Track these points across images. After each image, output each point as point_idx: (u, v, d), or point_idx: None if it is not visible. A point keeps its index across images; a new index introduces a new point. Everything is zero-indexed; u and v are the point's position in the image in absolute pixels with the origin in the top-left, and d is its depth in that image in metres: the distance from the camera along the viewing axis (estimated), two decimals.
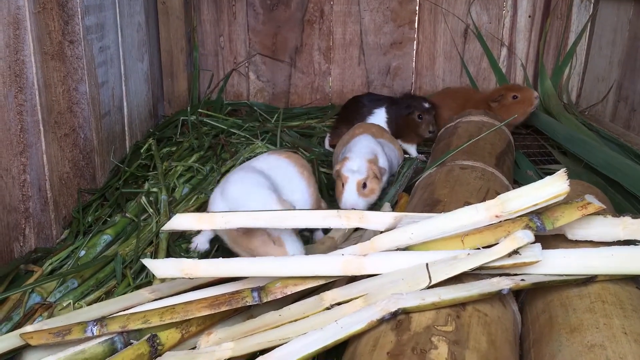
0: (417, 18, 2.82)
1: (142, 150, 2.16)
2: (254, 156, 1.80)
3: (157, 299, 1.23)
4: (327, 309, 1.05)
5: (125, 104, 2.15)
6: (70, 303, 1.32)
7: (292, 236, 1.25)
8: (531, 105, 2.32)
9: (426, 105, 2.24)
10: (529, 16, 2.84)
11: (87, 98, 1.78)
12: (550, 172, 1.50)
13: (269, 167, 1.51)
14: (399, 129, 2.24)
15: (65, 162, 1.67)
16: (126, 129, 2.17)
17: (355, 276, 1.09)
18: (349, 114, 2.36)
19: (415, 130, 2.22)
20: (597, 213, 1.06)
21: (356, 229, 1.55)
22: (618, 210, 1.55)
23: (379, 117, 2.30)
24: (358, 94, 2.52)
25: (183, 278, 1.13)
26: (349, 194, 1.68)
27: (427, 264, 1.02)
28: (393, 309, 0.96)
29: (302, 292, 1.10)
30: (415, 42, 2.85)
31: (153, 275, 1.11)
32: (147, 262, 1.12)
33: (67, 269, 1.46)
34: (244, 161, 2.00)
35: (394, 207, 1.77)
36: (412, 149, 2.29)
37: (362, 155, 1.73)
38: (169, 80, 2.70)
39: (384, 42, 2.84)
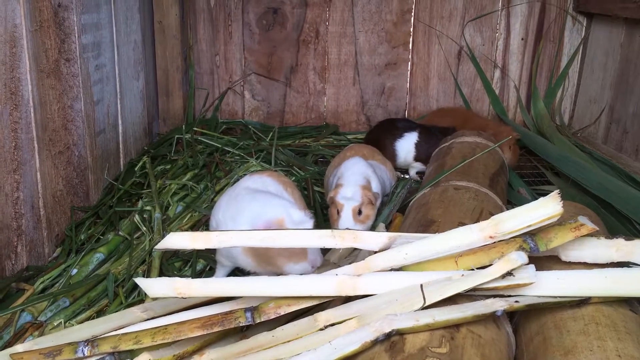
0: (411, 39, 2.85)
1: (136, 168, 2.16)
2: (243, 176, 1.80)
3: (150, 318, 1.22)
4: (321, 329, 1.04)
5: (120, 121, 2.16)
6: (61, 322, 1.31)
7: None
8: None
9: (451, 129, 2.26)
10: (522, 39, 2.87)
11: (82, 116, 1.78)
12: (544, 193, 1.51)
13: (262, 185, 1.52)
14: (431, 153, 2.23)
15: (58, 180, 1.67)
16: (121, 146, 2.17)
17: (350, 296, 1.08)
18: (380, 134, 2.39)
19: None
20: (590, 234, 1.06)
21: (353, 250, 1.55)
22: (611, 232, 1.56)
23: (410, 139, 2.31)
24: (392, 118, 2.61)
25: (176, 298, 1.12)
26: (345, 221, 1.68)
27: (421, 285, 1.02)
28: (387, 330, 0.95)
29: (295, 312, 1.10)
30: (409, 63, 2.88)
31: (145, 294, 1.10)
32: (140, 281, 1.11)
33: (58, 288, 1.44)
34: (237, 180, 2.00)
35: (388, 227, 1.77)
36: (416, 170, 2.31)
37: (356, 182, 1.73)
38: (164, 99, 2.71)
39: (378, 63, 2.86)
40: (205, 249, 1.17)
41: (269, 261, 1.31)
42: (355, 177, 1.76)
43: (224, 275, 1.49)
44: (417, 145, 2.29)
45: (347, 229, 1.42)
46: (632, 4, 2.30)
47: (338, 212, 1.69)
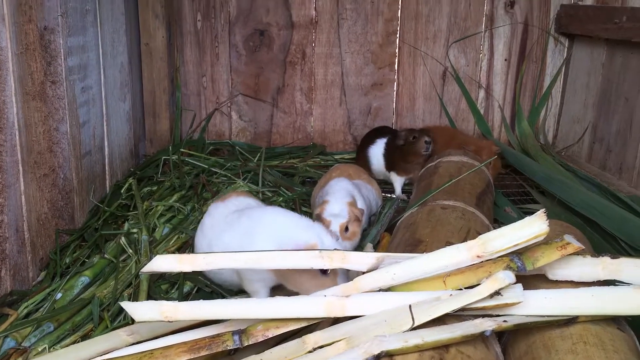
0: (397, 60, 2.88)
1: (122, 190, 2.14)
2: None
3: (136, 342, 1.20)
4: (310, 352, 1.04)
5: (106, 143, 2.15)
6: (45, 347, 1.29)
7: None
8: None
9: (414, 129, 2.30)
10: (505, 60, 2.92)
11: (67, 138, 1.77)
12: (530, 212, 1.51)
13: (245, 206, 1.53)
14: (400, 159, 2.25)
15: (43, 203, 1.65)
16: (107, 168, 2.16)
17: (338, 318, 1.08)
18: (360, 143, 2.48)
19: (415, 150, 2.22)
20: (576, 253, 1.07)
21: None
22: (597, 250, 1.57)
23: (379, 147, 2.36)
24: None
25: (163, 321, 1.11)
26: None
27: (410, 306, 1.02)
28: (376, 352, 0.95)
29: (284, 334, 1.09)
30: (395, 83, 2.91)
31: (131, 318, 1.09)
32: (126, 304, 1.10)
33: (42, 313, 1.42)
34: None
35: (376, 247, 1.77)
36: (398, 184, 2.31)
37: (341, 198, 1.73)
38: (151, 120, 2.70)
39: (364, 83, 2.89)
40: (193, 271, 1.16)
41: (295, 285, 1.28)
42: (340, 194, 1.76)
43: (265, 296, 1.39)
44: (385, 153, 2.32)
45: (335, 249, 1.42)
46: (613, 25, 2.35)
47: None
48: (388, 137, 2.38)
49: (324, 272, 1.24)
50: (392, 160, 2.31)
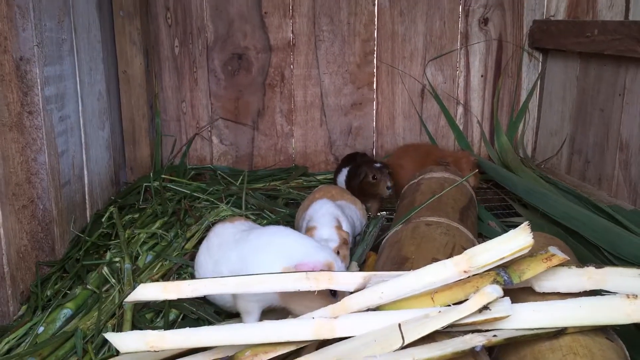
0: (375, 80, 2.90)
1: (103, 219, 2.11)
2: (217, 221, 1.79)
3: None
4: None
5: (85, 172, 2.12)
6: None
7: None
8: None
9: (377, 165, 2.24)
10: (482, 76, 2.96)
11: (46, 168, 1.75)
12: (513, 225, 1.52)
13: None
14: (359, 192, 2.23)
15: (23, 235, 1.62)
16: (87, 197, 2.14)
17: (328, 339, 1.06)
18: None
19: (374, 191, 2.21)
20: (562, 264, 1.07)
21: None
22: (581, 260, 1.58)
23: (343, 175, 2.35)
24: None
25: (149, 351, 1.08)
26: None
27: (399, 324, 1.01)
28: None
29: (273, 359, 1.07)
30: (374, 102, 2.93)
31: (116, 349, 1.07)
32: (110, 336, 1.08)
33: (25, 348, 1.39)
34: (209, 226, 1.98)
35: (362, 267, 1.76)
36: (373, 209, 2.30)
37: (328, 223, 1.72)
38: (131, 147, 2.68)
39: (344, 104, 2.90)
40: (178, 299, 1.14)
41: (303, 309, 1.23)
42: (326, 219, 1.76)
43: (255, 320, 1.35)
44: (345, 182, 2.32)
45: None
46: (585, 39, 2.40)
47: None
48: (350, 167, 2.35)
49: (333, 293, 1.22)
50: (352, 190, 2.26)
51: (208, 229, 1.84)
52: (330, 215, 1.77)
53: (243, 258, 1.38)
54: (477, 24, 2.89)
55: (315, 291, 1.16)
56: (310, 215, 1.80)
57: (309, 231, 1.72)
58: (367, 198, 2.25)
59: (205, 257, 1.53)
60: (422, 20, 2.86)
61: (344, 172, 2.36)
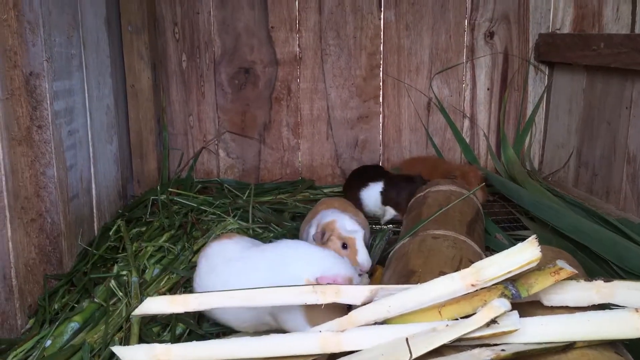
0: (381, 93, 2.92)
1: (111, 232, 2.12)
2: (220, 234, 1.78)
3: None
4: None
5: (93, 186, 2.14)
6: None
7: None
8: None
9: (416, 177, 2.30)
10: (488, 89, 2.96)
11: (54, 182, 1.76)
12: (520, 238, 1.52)
13: (251, 243, 1.53)
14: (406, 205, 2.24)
15: (31, 248, 1.63)
16: (95, 211, 2.15)
17: (335, 353, 1.06)
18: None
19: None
20: (570, 278, 1.07)
21: None
22: (589, 274, 1.57)
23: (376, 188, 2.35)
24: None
25: None
26: (366, 255, 1.65)
27: (406, 338, 1.01)
28: None
29: None
30: (381, 115, 2.94)
31: None
32: (117, 349, 1.08)
33: None
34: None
35: (369, 280, 1.75)
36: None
37: (345, 217, 1.72)
38: (138, 161, 2.70)
39: (350, 117, 2.91)
40: (185, 312, 1.14)
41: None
42: (340, 215, 1.75)
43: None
44: (384, 195, 2.31)
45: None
46: (591, 52, 2.40)
47: (345, 246, 1.66)
48: (385, 180, 2.36)
49: (349, 307, 1.22)
50: (394, 203, 2.28)
51: None
52: (342, 213, 1.77)
53: (271, 268, 1.36)
54: (483, 38, 2.90)
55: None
56: (321, 218, 1.78)
57: (328, 225, 1.70)
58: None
59: (211, 278, 1.47)
60: (428, 34, 2.87)
61: (375, 186, 2.34)
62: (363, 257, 1.65)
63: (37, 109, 1.67)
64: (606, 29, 2.55)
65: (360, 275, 1.63)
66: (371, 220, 2.29)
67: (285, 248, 1.42)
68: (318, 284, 1.22)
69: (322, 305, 1.14)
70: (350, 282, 1.28)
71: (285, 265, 1.34)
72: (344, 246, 1.66)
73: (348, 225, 1.69)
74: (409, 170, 2.50)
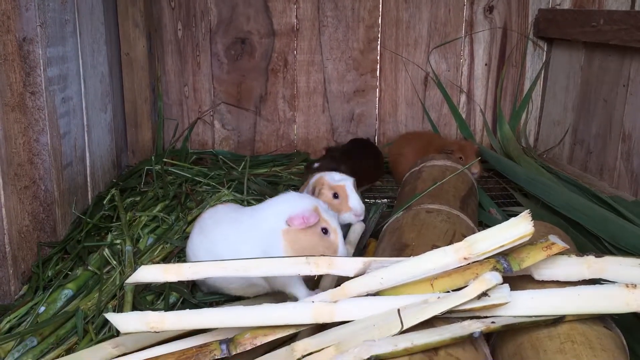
0: (378, 67, 2.89)
1: (104, 201, 2.12)
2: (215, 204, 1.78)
3: (121, 354, 1.18)
4: (299, 359, 1.03)
5: (87, 154, 2.12)
6: None
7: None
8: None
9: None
10: (486, 64, 2.95)
11: (48, 149, 1.75)
12: (514, 214, 1.53)
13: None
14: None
15: (24, 215, 1.63)
16: (88, 179, 2.14)
17: (327, 323, 1.07)
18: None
19: None
20: (561, 253, 1.08)
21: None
22: (581, 250, 1.58)
23: None
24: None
25: (149, 332, 1.09)
26: (357, 200, 1.66)
27: (398, 309, 1.02)
28: (365, 356, 0.94)
29: (272, 343, 1.08)
30: (377, 89, 2.92)
31: (117, 330, 1.07)
32: (110, 316, 1.09)
33: (25, 327, 1.40)
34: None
35: (362, 253, 1.76)
36: None
37: (333, 173, 1.74)
38: (133, 130, 2.68)
39: (347, 90, 2.89)
40: (178, 281, 1.15)
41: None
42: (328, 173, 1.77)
43: (306, 289, 1.38)
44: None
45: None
46: (591, 28, 2.38)
47: (336, 196, 1.67)
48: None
49: (324, 231, 1.34)
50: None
51: None
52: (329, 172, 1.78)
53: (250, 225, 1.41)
54: (482, 12, 2.87)
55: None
56: (309, 182, 1.79)
57: (318, 180, 1.71)
58: None
59: (200, 239, 1.52)
60: (426, 7, 2.84)
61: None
62: (354, 201, 1.66)
63: (31, 75, 1.65)
64: (606, 5, 2.53)
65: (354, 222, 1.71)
66: (366, 195, 2.30)
67: (261, 204, 1.48)
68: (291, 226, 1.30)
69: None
70: (316, 210, 1.32)
71: (263, 220, 1.38)
72: (335, 195, 1.68)
73: (336, 176, 1.71)
74: (404, 145, 2.49)
